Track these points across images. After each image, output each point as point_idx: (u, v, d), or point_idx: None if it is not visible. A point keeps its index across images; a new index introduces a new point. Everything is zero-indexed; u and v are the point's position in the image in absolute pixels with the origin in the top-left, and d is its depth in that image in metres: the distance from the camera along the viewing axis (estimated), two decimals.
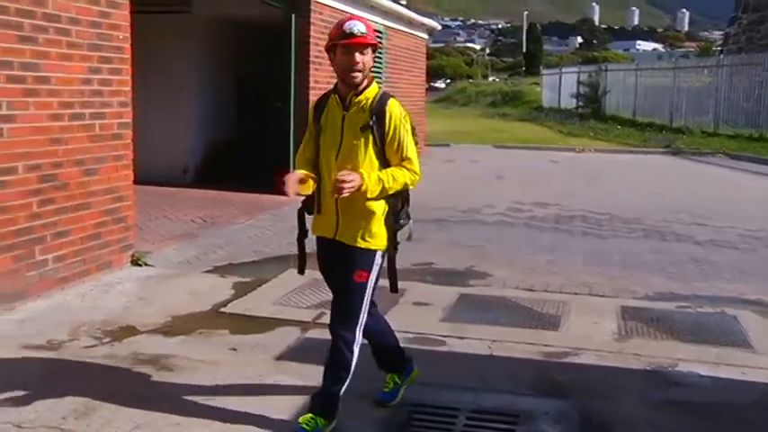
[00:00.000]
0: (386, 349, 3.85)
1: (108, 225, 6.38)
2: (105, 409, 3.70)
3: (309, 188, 3.53)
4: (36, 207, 5.56)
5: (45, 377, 4.11)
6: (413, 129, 3.49)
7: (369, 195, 3.32)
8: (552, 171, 15.90)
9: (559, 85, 37.89)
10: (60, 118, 5.79)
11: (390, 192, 3.38)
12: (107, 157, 6.34)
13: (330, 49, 3.41)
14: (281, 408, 3.75)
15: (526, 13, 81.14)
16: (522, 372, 4.40)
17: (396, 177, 3.38)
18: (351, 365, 3.48)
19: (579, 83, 33.87)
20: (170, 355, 4.46)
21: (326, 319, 5.13)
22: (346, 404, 3.56)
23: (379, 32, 13.82)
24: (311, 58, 10.72)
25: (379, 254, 3.46)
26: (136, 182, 6.81)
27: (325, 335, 4.88)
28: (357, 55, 3.32)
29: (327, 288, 3.79)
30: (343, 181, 3.20)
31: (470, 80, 61.51)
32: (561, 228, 9.18)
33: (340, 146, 3.43)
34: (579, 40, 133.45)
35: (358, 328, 3.49)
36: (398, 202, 3.49)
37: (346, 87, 3.42)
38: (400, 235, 3.55)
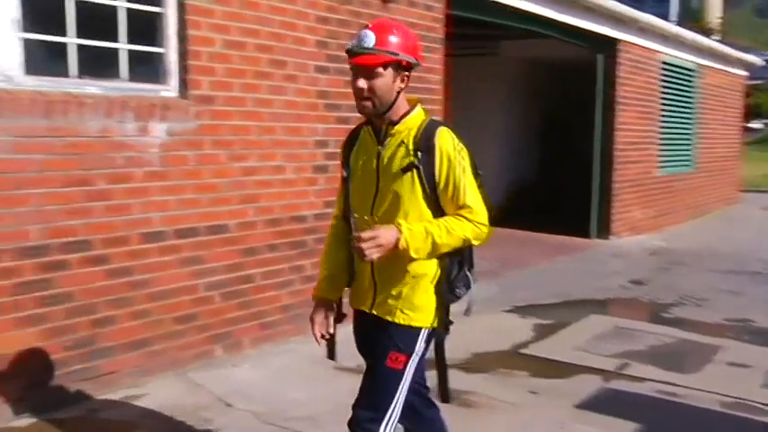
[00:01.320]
0: None
1: None
2: None
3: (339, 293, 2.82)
4: None
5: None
6: (475, 167, 2.61)
7: (413, 254, 2.49)
8: None
9: None
10: None
11: (444, 249, 2.55)
12: None
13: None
14: None
15: None
16: None
17: (451, 230, 2.53)
18: None
19: None
20: (470, 392, 4.50)
21: (632, 371, 4.98)
22: None
23: (691, 71, 13.08)
24: (618, 99, 10.39)
25: (424, 333, 2.62)
26: None
27: (630, 387, 4.72)
28: (360, 80, 2.51)
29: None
30: (361, 239, 2.42)
31: None
32: None
33: (376, 192, 2.61)
34: None
35: (385, 426, 2.56)
36: (455, 264, 2.67)
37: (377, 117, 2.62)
38: (455, 309, 2.69)
